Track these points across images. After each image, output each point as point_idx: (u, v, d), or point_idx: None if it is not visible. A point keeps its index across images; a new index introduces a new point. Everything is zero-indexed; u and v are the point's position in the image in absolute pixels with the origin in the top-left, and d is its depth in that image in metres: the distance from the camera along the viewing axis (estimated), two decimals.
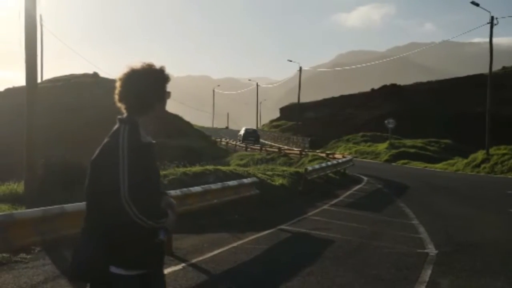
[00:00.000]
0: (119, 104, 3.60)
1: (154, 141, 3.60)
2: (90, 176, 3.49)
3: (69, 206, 8.53)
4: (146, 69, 3.58)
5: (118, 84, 3.58)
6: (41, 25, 60.30)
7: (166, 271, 9.21)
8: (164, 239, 3.52)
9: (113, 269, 3.40)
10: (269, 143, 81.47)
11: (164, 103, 3.67)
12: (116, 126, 3.53)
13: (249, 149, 59.47)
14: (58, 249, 9.59)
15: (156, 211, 3.45)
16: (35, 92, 17.06)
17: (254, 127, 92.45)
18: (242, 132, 78.76)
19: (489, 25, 46.23)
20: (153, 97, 3.59)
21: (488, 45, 47.49)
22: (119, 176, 3.33)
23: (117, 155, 3.38)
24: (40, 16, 59.08)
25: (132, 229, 3.35)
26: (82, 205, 7.32)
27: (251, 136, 75.12)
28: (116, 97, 3.58)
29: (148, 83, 3.55)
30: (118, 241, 3.38)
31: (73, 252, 3.49)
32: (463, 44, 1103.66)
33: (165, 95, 3.64)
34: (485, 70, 48.67)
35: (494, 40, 47.96)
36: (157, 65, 3.64)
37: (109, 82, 62.34)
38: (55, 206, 8.59)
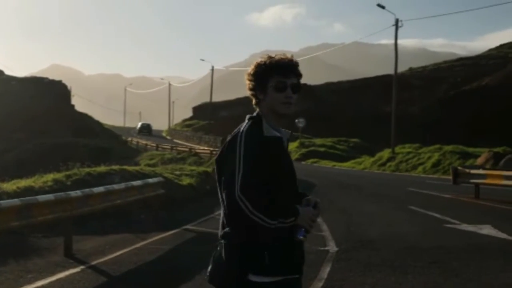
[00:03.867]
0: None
1: (280, 136, 3.39)
2: (217, 176, 3.40)
3: None
4: (255, 63, 3.49)
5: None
6: None
7: (63, 274, 9.08)
8: (304, 239, 3.27)
9: (252, 277, 3.20)
10: (181, 142, 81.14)
11: (272, 95, 3.41)
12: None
13: (160, 149, 59.07)
14: None
15: (280, 209, 3.23)
16: None
17: (149, 122, 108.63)
18: (138, 126, 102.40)
19: (395, 27, 47.62)
20: (258, 90, 3.46)
21: (394, 47, 48.81)
22: (235, 172, 3.21)
23: (234, 150, 3.27)
24: None
25: (263, 231, 3.17)
26: None
27: (145, 129, 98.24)
28: None
29: (253, 77, 3.47)
30: (251, 246, 3.21)
31: (212, 258, 3.39)
32: (372, 45, 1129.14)
33: (266, 88, 3.43)
34: (392, 70, 49.96)
35: (401, 41, 49.58)
36: (273, 56, 3.49)
37: (12, 80, 60.67)
38: None
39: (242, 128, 3.36)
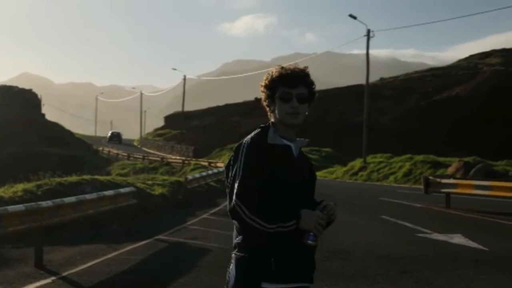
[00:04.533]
0: None
1: (287, 144, 3.44)
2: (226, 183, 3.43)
3: None
4: (266, 74, 3.54)
5: None
6: None
7: (34, 285, 8.98)
8: (313, 243, 3.23)
9: (264, 284, 3.22)
10: (153, 151, 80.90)
11: (279, 105, 3.45)
12: None
13: (131, 158, 58.81)
14: None
15: (278, 212, 3.23)
16: None
17: (119, 131, 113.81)
18: (109, 134, 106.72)
19: (366, 38, 47.95)
20: (269, 101, 3.52)
21: (365, 57, 49.10)
22: (236, 178, 3.29)
23: (237, 157, 3.35)
24: None
25: (263, 236, 3.20)
26: None
27: (115, 137, 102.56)
28: None
29: (265, 88, 3.52)
30: (259, 253, 3.23)
31: (227, 270, 3.39)
32: (344, 55, 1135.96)
33: (275, 98, 3.48)
34: (364, 80, 50.27)
35: (372, 52, 49.77)
36: (288, 65, 3.54)
37: None
38: None
39: (248, 136, 3.43)
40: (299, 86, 3.45)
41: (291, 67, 3.52)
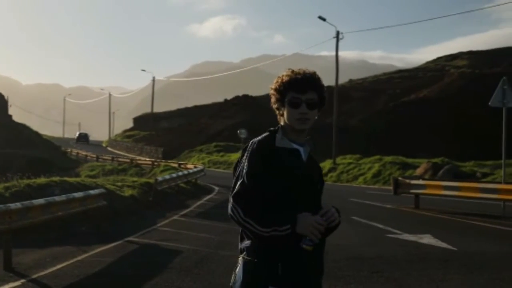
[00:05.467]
0: None
1: (295, 147, 3.41)
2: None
3: None
4: (277, 78, 3.52)
5: None
6: None
7: None
8: (308, 248, 3.19)
9: None
10: (122, 153, 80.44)
11: (288, 110, 3.41)
12: None
13: (100, 160, 58.44)
14: None
15: (273, 216, 3.20)
16: None
17: (86, 132, 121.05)
18: (76, 135, 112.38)
19: (336, 39, 48.19)
20: (278, 104, 3.49)
21: (334, 58, 49.34)
22: (238, 178, 3.30)
23: (242, 158, 3.36)
24: None
25: (266, 240, 3.20)
26: None
27: (83, 138, 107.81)
28: None
29: (275, 91, 3.50)
30: (266, 257, 3.23)
31: (233, 274, 3.39)
32: (313, 57, 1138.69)
33: (284, 103, 3.44)
34: (333, 82, 50.50)
35: (341, 53, 50.06)
36: (295, 71, 3.50)
37: None
38: None
39: (256, 138, 3.42)
40: (308, 91, 3.41)
41: (301, 71, 3.49)
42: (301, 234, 3.18)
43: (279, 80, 3.48)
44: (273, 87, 3.51)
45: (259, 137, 3.42)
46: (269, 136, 3.42)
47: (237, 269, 3.36)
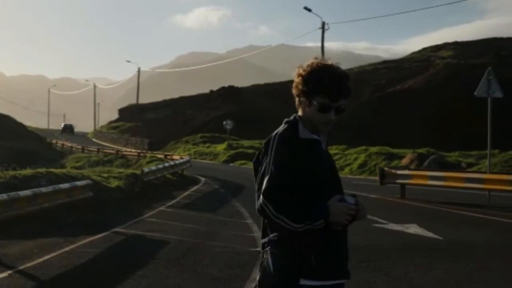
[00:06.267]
0: None
1: (317, 138, 3.32)
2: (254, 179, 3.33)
3: None
4: (308, 66, 3.35)
5: None
6: None
7: None
8: (336, 227, 3.22)
9: (303, 281, 3.16)
10: (107, 144, 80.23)
11: (314, 111, 3.30)
12: None
13: (86, 151, 58.24)
14: None
15: (305, 211, 3.14)
16: None
17: (71, 123, 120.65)
18: (62, 126, 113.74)
19: (321, 30, 48.14)
20: (303, 95, 3.35)
21: (320, 49, 49.30)
22: (265, 175, 3.20)
23: (267, 153, 3.25)
24: None
25: (301, 234, 3.14)
26: None
27: (68, 129, 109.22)
28: None
29: (303, 81, 3.33)
30: (298, 249, 3.18)
31: (260, 267, 3.35)
32: (298, 47, 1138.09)
33: (311, 100, 3.31)
34: None
35: (326, 44, 50.08)
36: (330, 68, 3.33)
37: None
38: None
39: (277, 131, 3.33)
40: (341, 98, 3.34)
41: (336, 70, 3.36)
42: (335, 222, 3.19)
43: (312, 72, 3.33)
44: (302, 73, 3.35)
45: (280, 130, 3.32)
46: (290, 128, 3.33)
47: (265, 263, 3.30)
